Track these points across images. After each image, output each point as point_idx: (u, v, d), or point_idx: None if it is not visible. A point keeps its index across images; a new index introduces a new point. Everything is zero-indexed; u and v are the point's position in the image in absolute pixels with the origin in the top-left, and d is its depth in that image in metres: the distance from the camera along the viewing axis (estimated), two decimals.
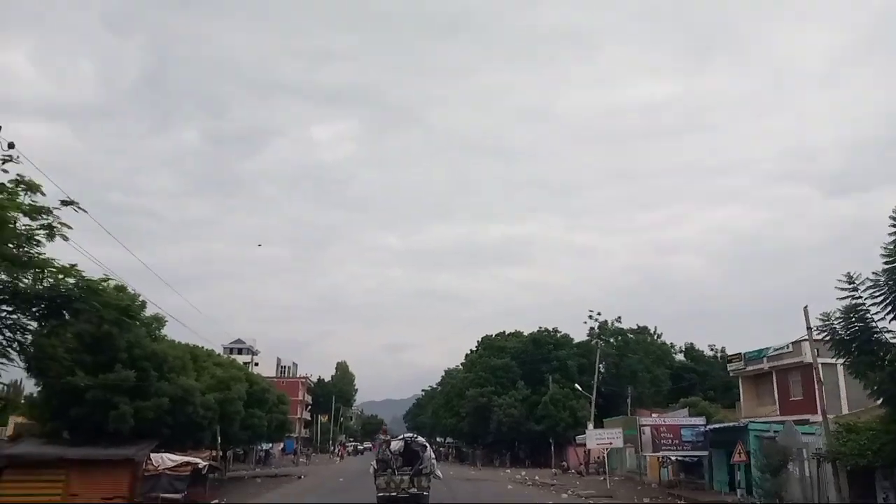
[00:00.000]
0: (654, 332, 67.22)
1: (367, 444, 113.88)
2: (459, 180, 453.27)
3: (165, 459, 22.14)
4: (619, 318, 63.28)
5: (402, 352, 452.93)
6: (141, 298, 24.22)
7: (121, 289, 21.86)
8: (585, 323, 62.99)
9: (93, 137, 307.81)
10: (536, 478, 40.59)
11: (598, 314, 61.48)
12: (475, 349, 72.50)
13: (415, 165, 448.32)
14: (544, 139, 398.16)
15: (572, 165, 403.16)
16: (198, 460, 23.17)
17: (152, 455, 21.48)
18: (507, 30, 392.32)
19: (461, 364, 77.91)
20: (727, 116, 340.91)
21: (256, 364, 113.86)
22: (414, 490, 19.67)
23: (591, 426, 48.14)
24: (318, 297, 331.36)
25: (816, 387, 23.25)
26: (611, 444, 33.28)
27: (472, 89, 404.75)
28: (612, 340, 61.26)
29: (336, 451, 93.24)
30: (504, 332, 69.59)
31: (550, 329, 63.71)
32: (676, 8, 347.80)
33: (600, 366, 60.24)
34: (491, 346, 66.03)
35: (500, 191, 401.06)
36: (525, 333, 67.06)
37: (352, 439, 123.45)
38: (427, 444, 21.86)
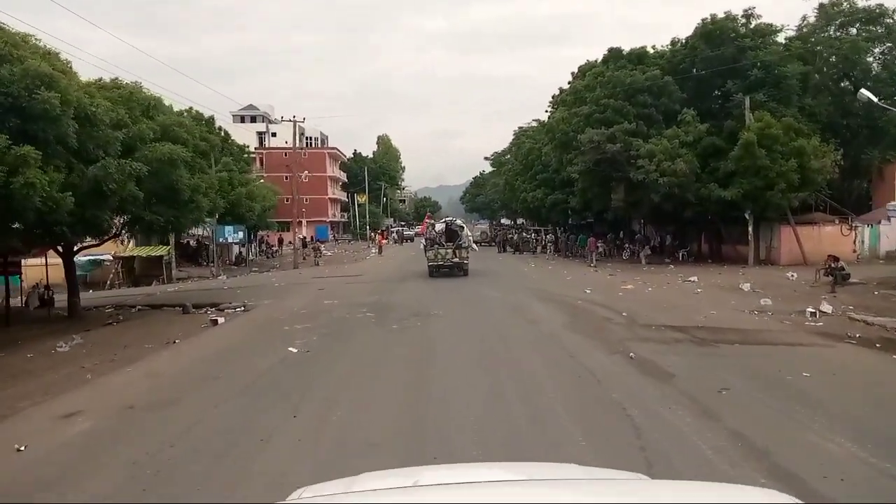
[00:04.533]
0: None
1: (417, 229, 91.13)
2: None
3: None
4: None
5: (453, 139, 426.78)
6: None
7: None
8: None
9: None
10: (828, 308, 14.77)
11: None
12: (570, 82, 43.33)
13: None
14: None
15: None
16: None
17: None
18: None
19: (548, 108, 49.15)
20: None
21: (274, 135, 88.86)
22: (456, 260, 26.63)
23: None
24: (360, 85, 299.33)
25: None
26: None
27: None
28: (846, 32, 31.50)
29: (375, 238, 69.19)
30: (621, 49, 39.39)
31: (738, 14, 33.07)
32: None
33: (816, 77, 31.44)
34: (616, 58, 36.41)
35: None
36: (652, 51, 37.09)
37: (403, 223, 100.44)
38: (464, 226, 29.27)
